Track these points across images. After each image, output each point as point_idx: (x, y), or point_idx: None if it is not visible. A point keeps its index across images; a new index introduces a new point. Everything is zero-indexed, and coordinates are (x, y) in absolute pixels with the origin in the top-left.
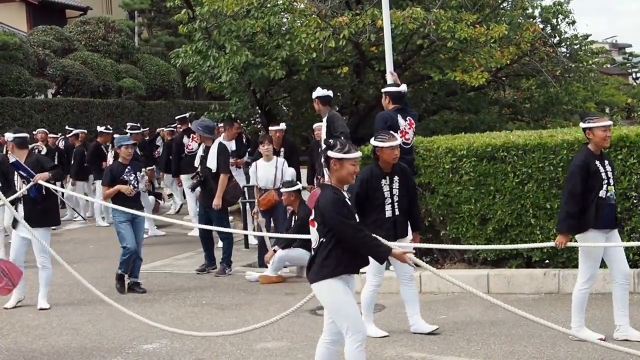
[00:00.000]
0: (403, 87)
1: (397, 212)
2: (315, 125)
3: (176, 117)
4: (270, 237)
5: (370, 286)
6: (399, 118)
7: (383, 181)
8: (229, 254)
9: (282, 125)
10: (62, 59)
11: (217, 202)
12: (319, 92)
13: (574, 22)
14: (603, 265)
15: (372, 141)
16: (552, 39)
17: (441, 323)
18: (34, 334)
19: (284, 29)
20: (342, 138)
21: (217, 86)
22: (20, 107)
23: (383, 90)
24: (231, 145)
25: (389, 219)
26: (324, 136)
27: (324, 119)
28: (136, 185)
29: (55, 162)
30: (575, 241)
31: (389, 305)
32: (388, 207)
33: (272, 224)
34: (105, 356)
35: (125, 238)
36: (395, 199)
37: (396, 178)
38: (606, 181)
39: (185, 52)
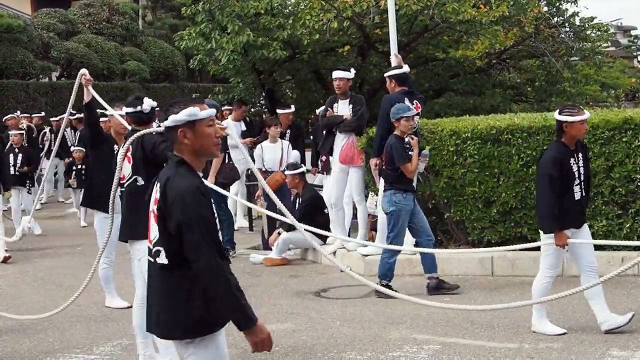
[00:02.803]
0: (406, 68)
1: (584, 193)
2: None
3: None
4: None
5: (545, 277)
6: (406, 101)
7: (572, 160)
8: (230, 236)
9: (292, 108)
10: (66, 42)
11: (209, 181)
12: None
13: (575, 1)
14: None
15: (558, 115)
16: (556, 18)
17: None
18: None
19: (287, 10)
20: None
21: (221, 69)
22: (24, 90)
23: (386, 74)
24: (241, 126)
25: (578, 202)
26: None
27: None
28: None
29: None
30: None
31: (394, 287)
32: (577, 189)
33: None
34: (110, 338)
35: (400, 234)
36: (582, 178)
37: (580, 155)
38: None
39: (189, 35)
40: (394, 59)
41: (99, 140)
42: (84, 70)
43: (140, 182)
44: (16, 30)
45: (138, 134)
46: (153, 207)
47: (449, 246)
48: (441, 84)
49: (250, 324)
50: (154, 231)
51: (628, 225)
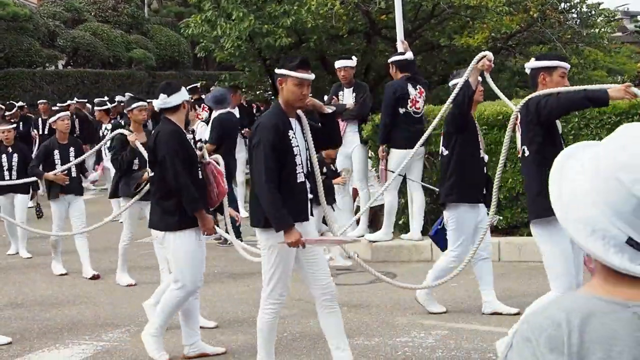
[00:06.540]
0: (408, 55)
1: None
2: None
3: (187, 88)
4: None
5: None
6: (409, 87)
7: None
8: (235, 226)
9: None
10: (72, 30)
11: None
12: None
13: None
14: None
15: None
16: (563, 4)
17: (453, 291)
18: (48, 303)
19: None
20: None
21: (227, 56)
22: (30, 78)
23: (389, 60)
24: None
25: None
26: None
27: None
28: None
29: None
30: None
31: (400, 273)
32: None
33: None
34: (118, 324)
35: None
36: None
37: None
38: None
39: (194, 22)
40: (400, 46)
41: (468, 121)
42: (489, 55)
43: (526, 152)
44: (22, 18)
45: (526, 97)
46: None
47: None
48: (447, 70)
49: None
50: None
51: None
